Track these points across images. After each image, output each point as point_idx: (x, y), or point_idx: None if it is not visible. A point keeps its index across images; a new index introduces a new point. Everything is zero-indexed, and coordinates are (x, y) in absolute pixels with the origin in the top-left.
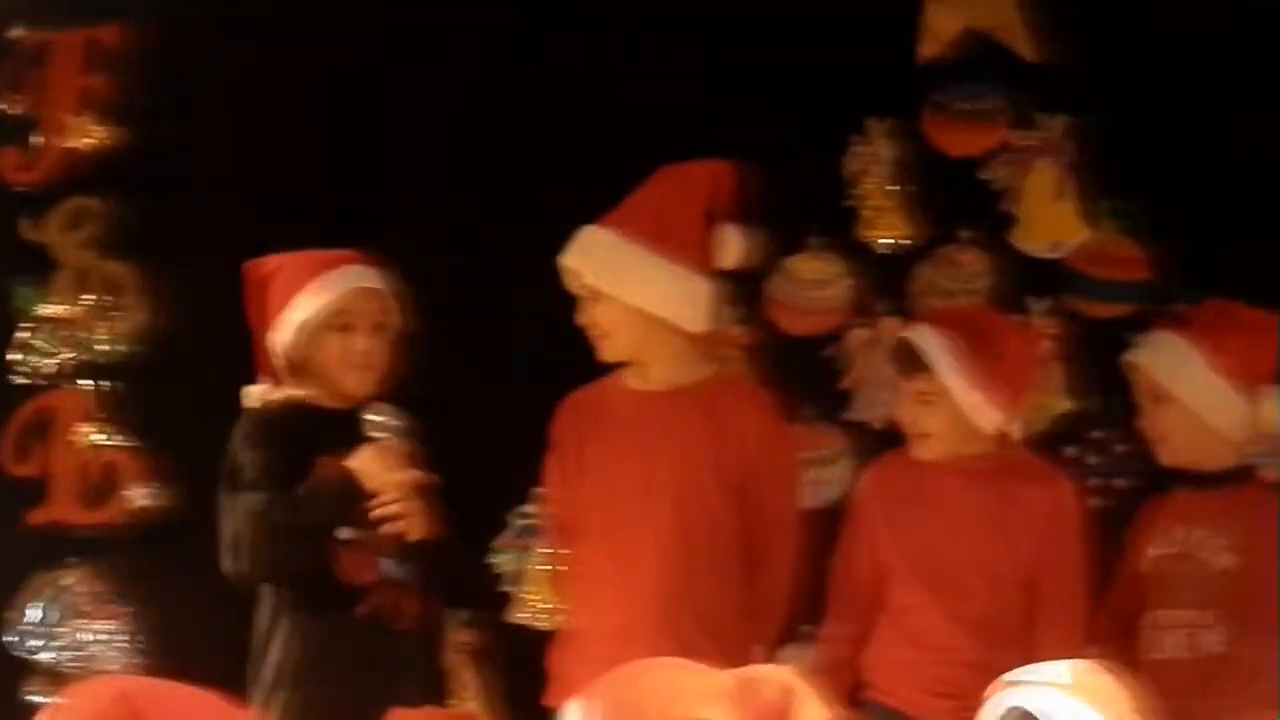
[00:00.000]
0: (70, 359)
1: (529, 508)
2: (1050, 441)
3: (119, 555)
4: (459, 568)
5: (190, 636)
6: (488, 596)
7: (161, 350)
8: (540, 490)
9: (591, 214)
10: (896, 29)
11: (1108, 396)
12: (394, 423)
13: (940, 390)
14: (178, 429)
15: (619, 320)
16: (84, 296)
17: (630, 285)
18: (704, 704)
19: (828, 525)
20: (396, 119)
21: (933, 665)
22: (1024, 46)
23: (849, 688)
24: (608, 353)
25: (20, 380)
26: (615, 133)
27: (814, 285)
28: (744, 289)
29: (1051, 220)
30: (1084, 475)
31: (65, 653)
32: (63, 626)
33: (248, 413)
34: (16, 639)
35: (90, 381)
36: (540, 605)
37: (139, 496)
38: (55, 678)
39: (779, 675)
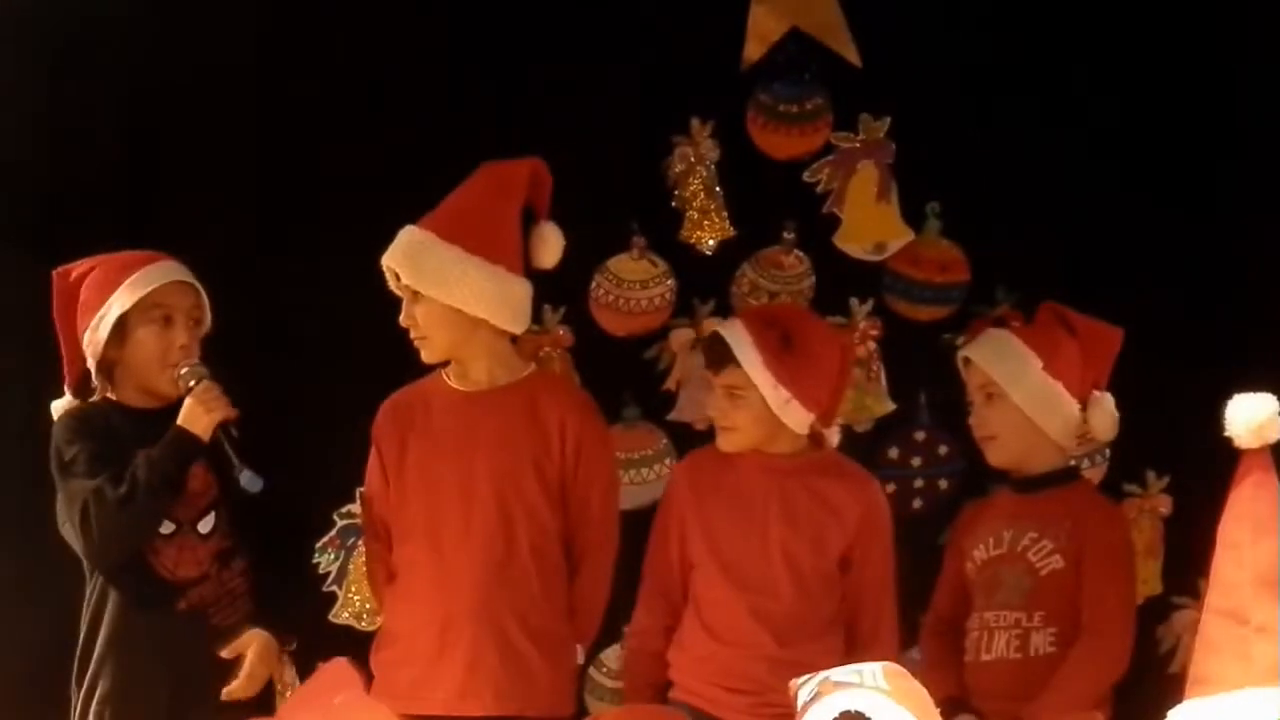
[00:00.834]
0: None
1: (353, 507)
2: (873, 442)
3: None
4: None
5: None
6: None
7: None
8: (362, 490)
9: (410, 213)
10: (721, 31)
11: (930, 398)
12: (199, 368)
13: (747, 385)
14: None
15: (439, 321)
16: None
17: (449, 286)
18: None
19: (649, 526)
20: (204, 119)
21: (733, 660)
22: (846, 49)
23: (659, 682)
24: (428, 354)
25: None
26: (436, 131)
27: (636, 286)
28: (566, 289)
29: (874, 222)
30: (907, 476)
31: None
32: None
33: (64, 415)
34: None
35: None
36: (363, 605)
37: None
38: None
39: None
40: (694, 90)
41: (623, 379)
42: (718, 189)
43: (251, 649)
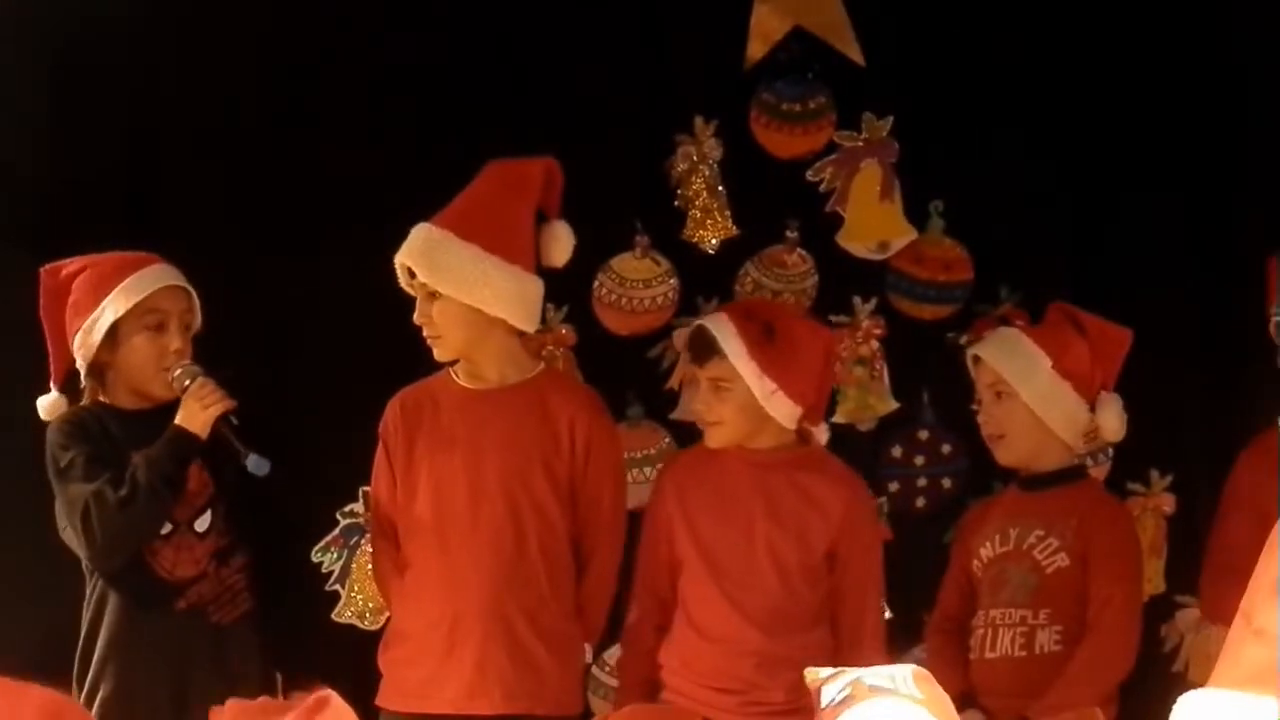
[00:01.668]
0: None
1: (355, 506)
2: (876, 441)
3: None
4: None
5: None
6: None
7: None
8: (368, 488)
9: (416, 211)
10: (724, 30)
11: (933, 397)
12: (193, 367)
13: (732, 376)
14: None
15: (456, 320)
16: None
17: (469, 285)
18: None
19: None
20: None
21: (719, 658)
22: (850, 48)
23: (649, 679)
24: (442, 352)
25: None
26: (438, 130)
27: (639, 285)
28: (569, 288)
29: (877, 221)
30: (910, 475)
31: None
32: None
33: (58, 420)
34: None
35: None
36: (366, 605)
37: None
38: None
39: None
40: (697, 89)
41: (626, 378)
42: (720, 188)
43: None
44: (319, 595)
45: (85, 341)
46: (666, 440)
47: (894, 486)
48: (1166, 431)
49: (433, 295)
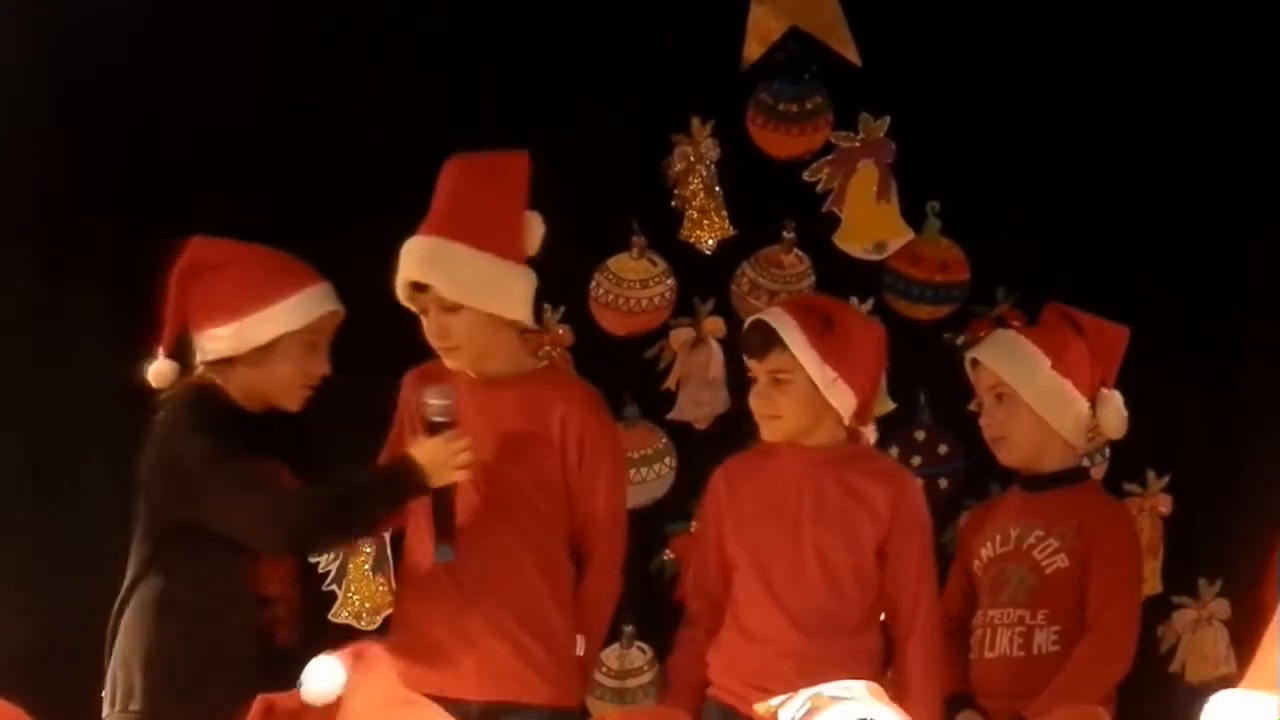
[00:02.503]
0: None
1: None
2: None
3: None
4: None
5: None
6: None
7: None
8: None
9: (412, 212)
10: (721, 30)
11: (930, 397)
12: (452, 405)
13: (794, 367)
14: None
15: (477, 329)
16: None
17: (493, 295)
18: None
19: (650, 524)
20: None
21: (763, 658)
22: (846, 48)
23: (699, 683)
24: (458, 361)
25: None
26: (437, 130)
27: (636, 285)
28: (566, 288)
29: (874, 221)
30: None
31: None
32: None
33: (207, 398)
34: None
35: None
36: (362, 604)
37: None
38: None
39: None
40: (694, 89)
41: (623, 378)
42: (717, 188)
43: None
44: (316, 595)
45: (239, 336)
46: (663, 440)
47: None
48: (1163, 432)
49: (451, 308)
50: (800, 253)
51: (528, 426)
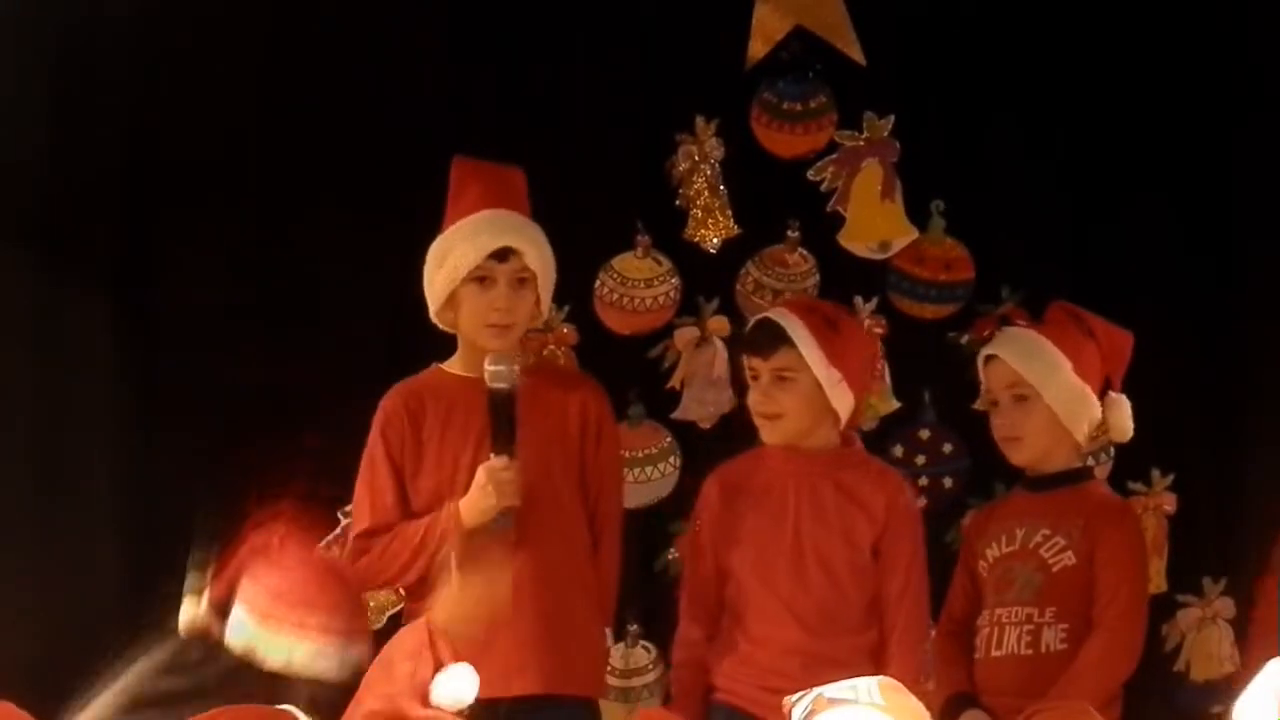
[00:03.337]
0: None
1: None
2: (877, 440)
3: None
4: None
5: None
6: None
7: None
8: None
9: (416, 211)
10: (725, 29)
11: (934, 396)
12: (512, 370)
13: (799, 366)
14: None
15: (529, 308)
16: None
17: (548, 271)
18: None
19: (654, 523)
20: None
21: (768, 658)
22: (851, 47)
23: (703, 691)
24: (505, 341)
25: None
26: (438, 130)
27: (640, 284)
28: (570, 287)
29: (878, 220)
30: (911, 474)
31: None
32: None
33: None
34: None
35: None
36: (368, 603)
37: None
38: None
39: None
40: (698, 88)
41: (627, 377)
42: (722, 187)
43: None
44: None
45: None
46: (668, 440)
47: None
48: (1167, 431)
49: (521, 281)
50: (805, 252)
51: (542, 418)
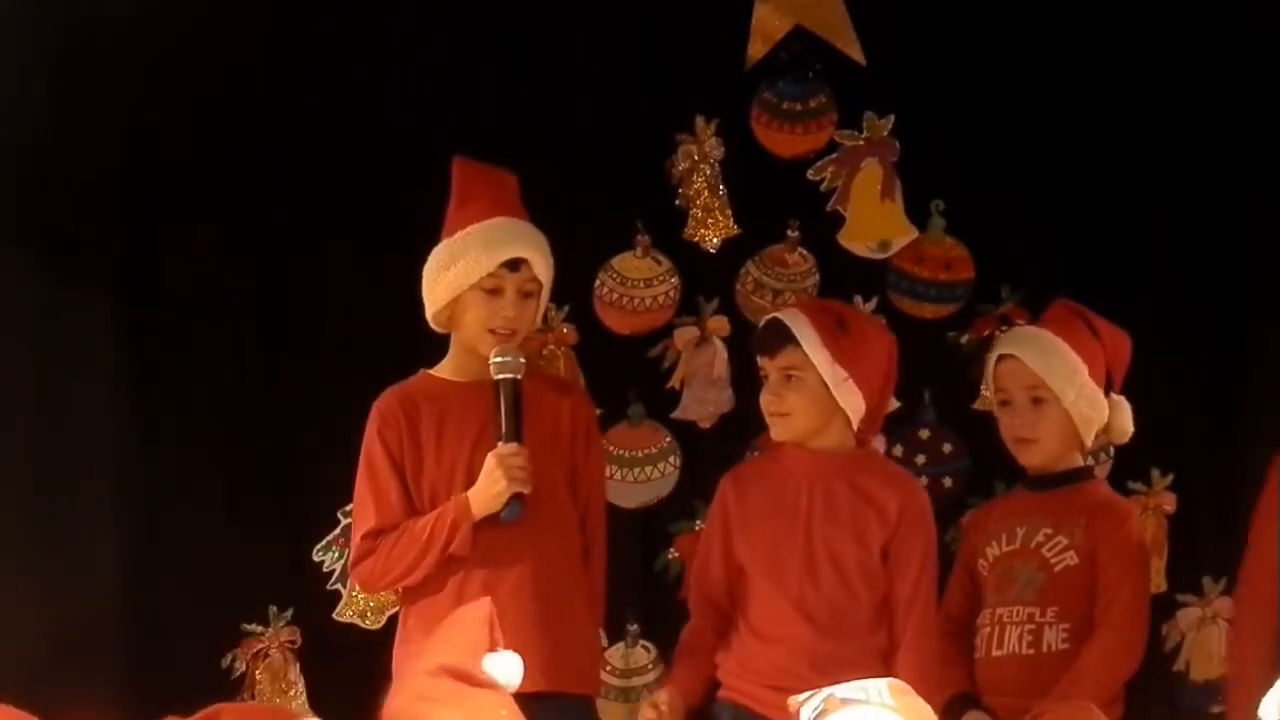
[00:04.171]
0: None
1: None
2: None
3: None
4: None
5: None
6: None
7: None
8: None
9: (417, 212)
10: (725, 29)
11: (934, 396)
12: (518, 361)
13: (805, 365)
14: None
15: (533, 317)
16: None
17: (549, 284)
18: None
19: (654, 524)
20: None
21: (776, 657)
22: (850, 47)
23: (703, 672)
24: (512, 346)
25: None
26: (438, 129)
27: (640, 284)
28: (570, 287)
29: (878, 220)
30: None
31: None
32: None
33: None
34: None
35: None
36: (367, 604)
37: None
38: None
39: None
40: (698, 88)
41: (627, 377)
42: (721, 187)
43: None
44: (320, 594)
45: None
46: (668, 439)
47: None
48: (1167, 430)
49: (528, 294)
50: (804, 251)
51: (542, 421)
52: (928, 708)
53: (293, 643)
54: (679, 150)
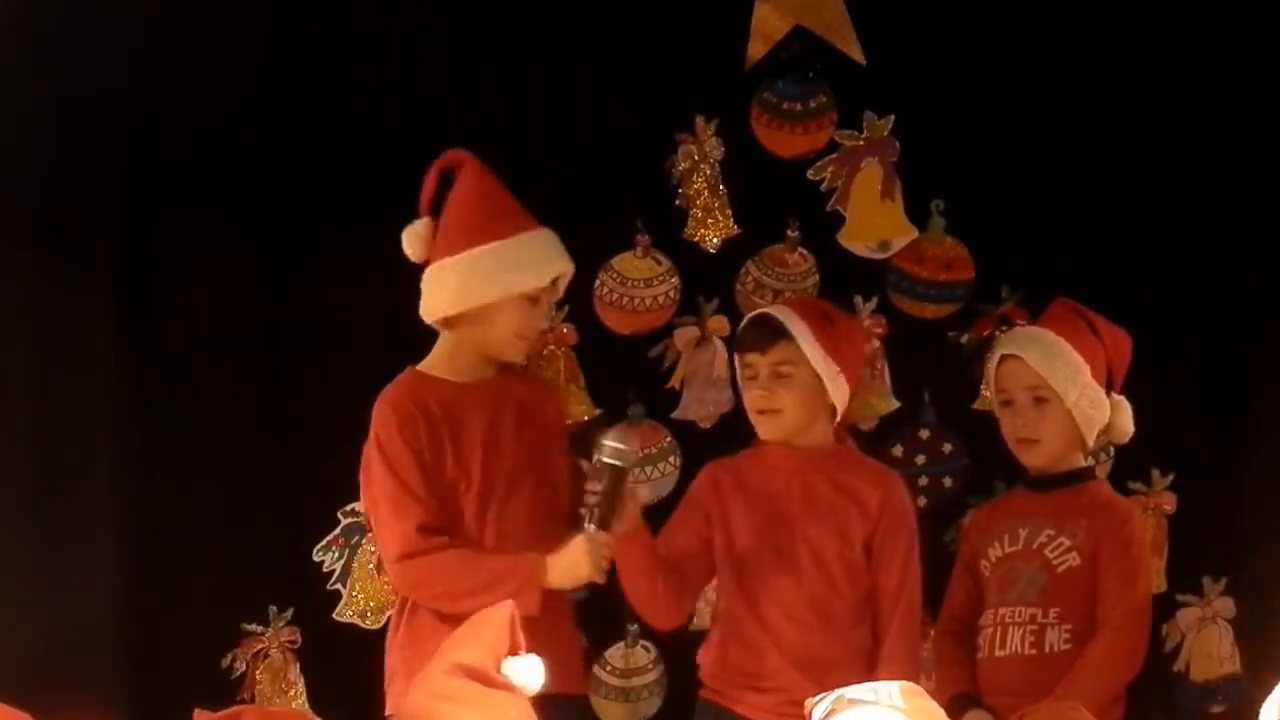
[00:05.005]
0: None
1: (356, 505)
2: (877, 440)
3: None
4: None
5: None
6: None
7: None
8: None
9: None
10: (725, 29)
11: (934, 396)
12: (631, 451)
13: (798, 360)
14: None
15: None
16: None
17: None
18: None
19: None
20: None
21: (758, 654)
22: (851, 47)
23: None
24: (523, 356)
25: None
26: (438, 129)
27: (640, 284)
28: (570, 287)
29: (878, 220)
30: (911, 474)
31: None
32: None
33: None
34: None
35: None
36: (367, 604)
37: None
38: None
39: None
40: (698, 88)
41: (627, 377)
42: (721, 187)
43: None
44: (320, 594)
45: None
46: (668, 439)
47: None
48: (1167, 430)
49: (555, 302)
50: (804, 251)
51: (537, 422)
52: (939, 709)
53: (293, 643)
54: (679, 150)
